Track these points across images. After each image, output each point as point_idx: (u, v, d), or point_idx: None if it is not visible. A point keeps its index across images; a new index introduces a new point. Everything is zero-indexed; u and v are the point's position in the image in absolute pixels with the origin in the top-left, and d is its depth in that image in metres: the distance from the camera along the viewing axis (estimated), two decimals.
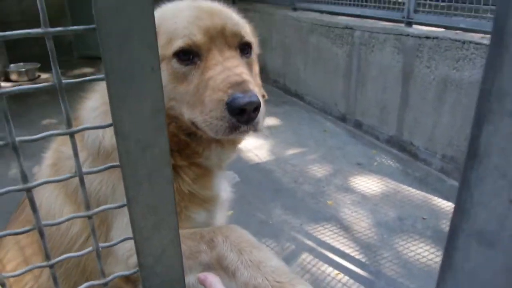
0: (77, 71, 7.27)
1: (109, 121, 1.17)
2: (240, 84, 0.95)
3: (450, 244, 0.32)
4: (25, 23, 7.24)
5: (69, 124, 0.53)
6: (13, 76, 6.67)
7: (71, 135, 0.54)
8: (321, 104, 5.19)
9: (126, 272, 0.69)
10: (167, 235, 0.66)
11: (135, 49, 0.52)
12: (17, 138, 0.50)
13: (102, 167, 0.58)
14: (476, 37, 3.24)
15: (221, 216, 1.32)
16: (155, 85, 0.55)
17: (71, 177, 0.56)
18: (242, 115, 0.92)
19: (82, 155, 1.16)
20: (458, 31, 3.52)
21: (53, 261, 0.60)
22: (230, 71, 0.99)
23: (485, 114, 0.31)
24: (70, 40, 8.36)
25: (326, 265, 2.50)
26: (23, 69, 6.79)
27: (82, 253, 0.62)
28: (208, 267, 0.90)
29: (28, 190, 0.54)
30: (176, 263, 0.68)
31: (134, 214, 0.62)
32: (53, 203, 1.21)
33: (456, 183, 3.41)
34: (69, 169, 1.18)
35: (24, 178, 0.53)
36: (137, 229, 0.63)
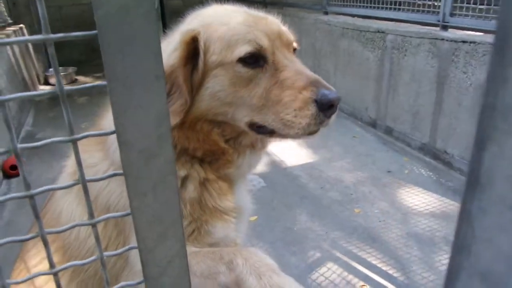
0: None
1: None
2: (320, 82, 1.01)
3: (450, 284, 0.28)
4: (64, 28, 7.54)
5: (71, 131, 0.52)
6: (52, 80, 6.95)
7: (74, 142, 0.53)
8: (351, 109, 5.08)
9: (131, 282, 0.68)
10: (172, 246, 0.64)
11: (138, 57, 0.51)
12: (19, 146, 0.50)
13: (105, 175, 0.57)
14: None
15: (242, 227, 1.30)
16: (159, 93, 0.53)
17: (74, 184, 0.55)
18: (330, 110, 0.98)
19: (105, 164, 1.16)
20: None
21: (57, 268, 0.59)
22: (304, 71, 1.04)
23: (488, 132, 0.27)
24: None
25: (351, 276, 2.43)
26: (62, 73, 7.06)
27: (87, 261, 0.62)
28: None
29: (31, 197, 0.53)
30: (183, 274, 0.66)
31: (139, 224, 0.61)
32: (74, 211, 1.21)
33: None
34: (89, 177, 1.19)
35: (27, 185, 0.52)
36: (141, 239, 0.62)
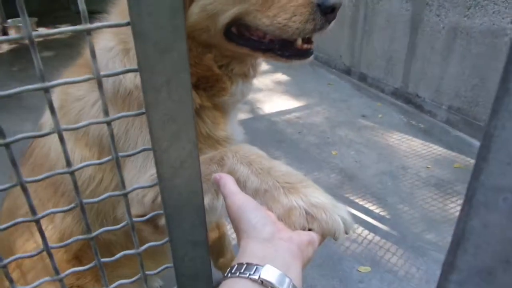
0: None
1: (129, 60, 1.13)
2: None
3: (509, 66, 0.30)
4: None
5: (42, 79, 0.51)
6: (11, 31, 6.53)
7: (46, 90, 0.52)
8: (326, 57, 5.09)
9: (146, 184, 0.70)
10: (185, 146, 0.65)
11: None
12: None
13: (121, 70, 0.57)
14: None
15: None
16: None
17: (90, 78, 0.55)
18: (331, 14, 0.98)
19: (93, 95, 1.12)
20: None
21: (74, 167, 0.60)
22: None
23: None
24: None
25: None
26: (21, 24, 6.62)
27: (102, 161, 0.63)
28: None
29: (7, 146, 0.52)
30: (195, 175, 0.69)
31: (153, 123, 0.61)
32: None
33: (461, 134, 3.41)
34: (77, 111, 1.15)
35: (1, 132, 0.52)
36: (155, 139, 0.63)
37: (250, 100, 4.07)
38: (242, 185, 0.82)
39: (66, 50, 5.11)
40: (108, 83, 1.09)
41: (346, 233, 0.74)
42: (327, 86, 4.54)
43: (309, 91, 4.40)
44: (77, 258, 1.29)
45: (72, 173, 0.60)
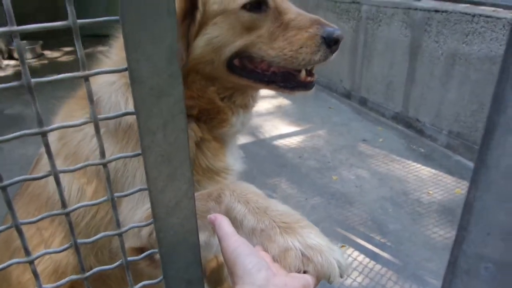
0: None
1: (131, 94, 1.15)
2: (323, 21, 1.08)
3: (485, 141, 0.31)
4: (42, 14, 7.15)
5: (40, 124, 0.52)
6: (17, 54, 6.63)
7: (43, 134, 0.53)
8: (327, 81, 5.14)
9: (141, 224, 0.70)
10: (181, 186, 0.66)
11: None
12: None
13: (119, 113, 0.57)
14: (486, 10, 3.18)
15: None
16: (171, 29, 0.54)
17: (87, 122, 0.56)
18: (335, 46, 1.06)
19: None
20: (468, 4, 3.44)
21: (69, 208, 0.60)
22: (304, 12, 1.11)
23: None
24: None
25: (331, 238, 2.51)
26: (27, 47, 6.74)
27: (99, 201, 0.63)
28: None
29: (3, 189, 0.52)
30: (190, 214, 0.69)
31: (148, 164, 0.62)
32: (62, 177, 1.18)
33: (461, 159, 3.40)
34: (77, 141, 1.16)
35: None
36: (151, 180, 0.63)
37: (251, 125, 4.09)
38: (238, 223, 0.82)
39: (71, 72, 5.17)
40: (107, 107, 1.11)
41: (341, 276, 0.73)
42: (328, 110, 4.57)
43: (310, 115, 4.43)
44: None
45: (67, 214, 0.60)
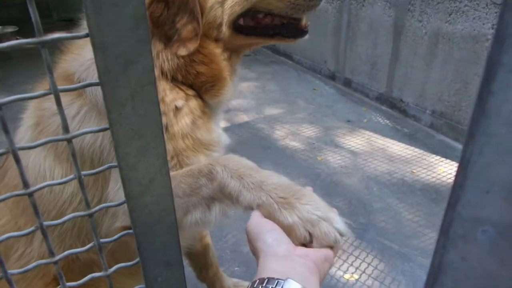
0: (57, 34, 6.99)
1: None
2: None
3: (485, 85, 0.28)
4: None
5: (39, 33, 0.48)
6: None
7: (43, 44, 0.48)
8: (310, 62, 5.10)
9: (112, 204, 0.66)
10: (154, 162, 0.62)
11: None
12: None
13: (79, 84, 0.53)
14: None
15: None
16: None
17: (47, 93, 0.51)
18: None
19: (74, 106, 1.08)
20: None
21: (32, 188, 0.56)
22: None
23: None
24: (48, 2, 7.98)
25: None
26: (1, 33, 6.49)
27: (64, 180, 0.59)
28: (212, 199, 0.89)
29: None
30: (166, 192, 0.65)
31: (118, 139, 0.58)
32: (41, 164, 1.12)
33: (445, 138, 3.43)
34: (56, 126, 1.10)
35: None
36: (121, 156, 0.59)
37: (236, 107, 4.04)
38: (234, 199, 0.83)
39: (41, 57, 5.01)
40: (94, 93, 1.06)
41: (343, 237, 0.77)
42: (312, 91, 4.54)
43: (294, 96, 4.40)
44: (56, 280, 1.24)
45: (30, 195, 0.56)
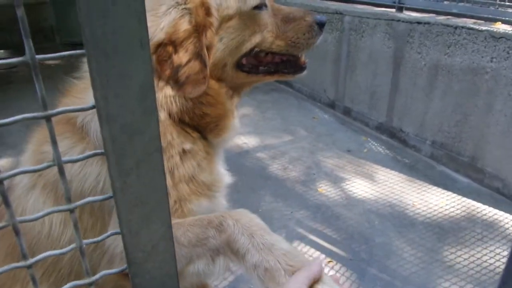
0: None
1: None
2: (309, 11, 1.30)
3: None
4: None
5: (44, 106, 0.46)
6: None
7: (48, 118, 0.47)
8: (310, 91, 5.13)
9: (113, 270, 0.63)
10: (158, 229, 0.60)
11: (120, 19, 0.45)
12: None
13: (85, 154, 0.51)
14: (468, 22, 3.21)
15: (223, 200, 1.28)
16: (144, 62, 0.49)
17: (49, 166, 0.49)
18: (323, 27, 1.29)
19: (78, 149, 1.07)
20: (449, 16, 3.48)
21: (31, 260, 0.53)
22: (292, 7, 1.31)
23: None
24: (52, 25, 8.09)
25: (318, 253, 2.48)
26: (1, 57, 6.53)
27: (65, 250, 0.56)
28: (217, 252, 0.88)
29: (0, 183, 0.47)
30: (168, 258, 0.63)
31: (121, 206, 0.56)
32: (40, 209, 1.09)
33: (445, 169, 3.42)
34: (55, 171, 1.08)
35: None
36: (124, 223, 0.57)
37: (236, 136, 4.03)
38: (241, 256, 0.82)
39: (47, 80, 5.04)
40: (91, 132, 1.05)
41: None
42: (312, 120, 4.55)
43: (294, 125, 4.40)
44: None
45: (29, 267, 0.53)
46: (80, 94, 1.11)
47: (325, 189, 3.19)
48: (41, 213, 0.51)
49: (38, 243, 1.11)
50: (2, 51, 6.65)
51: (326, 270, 2.35)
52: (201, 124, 1.15)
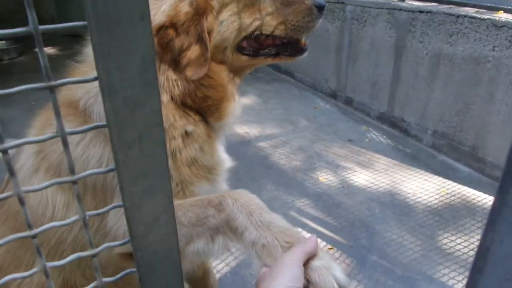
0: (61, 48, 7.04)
1: None
2: None
3: (508, 173, 0.27)
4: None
5: (48, 77, 0.47)
6: None
7: (51, 89, 0.48)
8: (312, 81, 5.13)
9: (117, 243, 0.65)
10: (159, 201, 0.61)
11: None
12: None
13: (88, 126, 0.53)
14: (470, 11, 3.20)
15: (224, 184, 1.30)
16: (144, 35, 0.50)
17: (53, 137, 0.51)
18: (322, 10, 1.27)
19: (80, 135, 1.08)
20: (451, 5, 3.46)
21: (35, 230, 0.55)
22: None
23: None
24: (53, 16, 8.08)
25: (319, 240, 2.49)
26: (4, 48, 6.53)
27: (67, 222, 0.58)
28: (216, 231, 0.90)
29: (5, 152, 0.48)
30: (170, 231, 0.64)
31: (123, 179, 0.57)
32: (44, 191, 1.12)
33: (446, 158, 3.42)
34: (59, 152, 1.10)
35: None
36: (127, 195, 0.59)
37: (238, 124, 4.04)
38: (239, 234, 0.83)
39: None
40: (93, 113, 1.06)
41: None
42: (313, 109, 4.55)
43: (295, 114, 4.41)
44: None
45: (34, 237, 0.55)
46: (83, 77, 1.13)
47: (326, 178, 3.20)
48: (45, 184, 0.53)
49: (41, 225, 1.13)
50: (3, 42, 6.64)
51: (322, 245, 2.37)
52: (203, 107, 1.16)
